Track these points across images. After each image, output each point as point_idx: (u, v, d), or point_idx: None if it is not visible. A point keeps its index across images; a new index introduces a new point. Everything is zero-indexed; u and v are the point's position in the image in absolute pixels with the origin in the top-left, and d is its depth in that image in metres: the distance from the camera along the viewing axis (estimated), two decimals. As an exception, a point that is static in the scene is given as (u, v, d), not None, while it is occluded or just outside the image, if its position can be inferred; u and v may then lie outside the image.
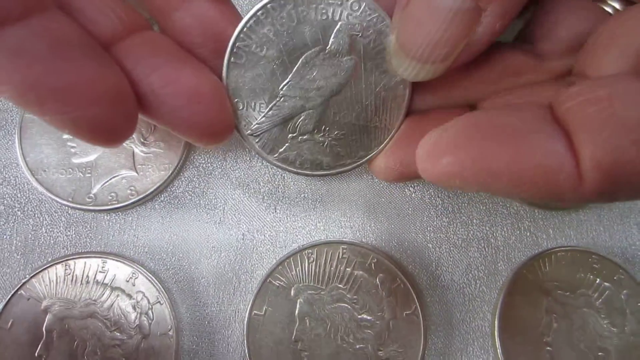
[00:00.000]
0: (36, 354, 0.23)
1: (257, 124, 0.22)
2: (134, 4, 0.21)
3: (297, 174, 0.23)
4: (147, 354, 0.24)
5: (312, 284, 0.25)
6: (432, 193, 0.27)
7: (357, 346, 0.24)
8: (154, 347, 0.24)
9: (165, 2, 0.20)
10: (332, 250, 0.25)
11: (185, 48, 0.21)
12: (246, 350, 0.24)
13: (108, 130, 0.18)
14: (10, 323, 0.24)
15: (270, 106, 0.22)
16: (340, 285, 0.25)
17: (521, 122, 0.16)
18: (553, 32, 0.21)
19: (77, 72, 0.17)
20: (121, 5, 0.20)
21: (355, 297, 0.25)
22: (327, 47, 0.21)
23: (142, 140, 0.26)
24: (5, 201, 0.26)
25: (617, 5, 0.22)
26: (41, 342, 0.23)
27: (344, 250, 0.25)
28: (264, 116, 0.22)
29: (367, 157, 0.23)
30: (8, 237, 0.26)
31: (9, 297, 0.24)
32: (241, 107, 0.22)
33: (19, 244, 0.26)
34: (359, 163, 0.23)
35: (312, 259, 0.25)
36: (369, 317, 0.24)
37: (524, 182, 0.15)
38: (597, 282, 0.26)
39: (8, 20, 0.16)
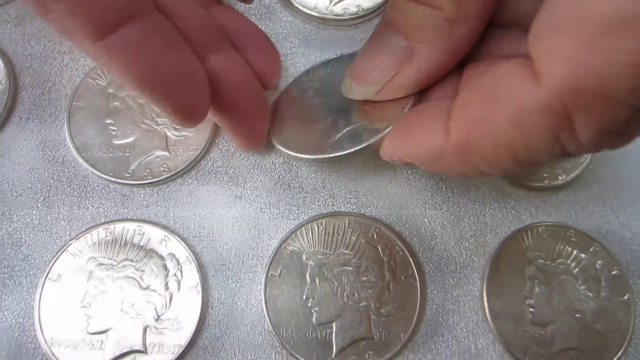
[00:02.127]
0: (81, 305, 0.27)
1: None
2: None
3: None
4: (177, 306, 0.27)
5: (321, 249, 0.28)
6: (428, 175, 0.31)
7: (361, 304, 0.27)
8: (183, 299, 0.27)
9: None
10: (339, 221, 0.29)
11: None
12: (264, 305, 0.27)
13: (196, 113, 0.23)
14: (58, 276, 0.27)
15: None
16: (346, 251, 0.28)
17: (427, 115, 0.21)
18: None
19: (184, 65, 0.21)
20: (209, 23, 0.24)
21: (359, 261, 0.28)
22: None
23: (174, 125, 0.30)
24: (54, 176, 0.30)
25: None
26: (84, 293, 0.27)
27: (350, 221, 0.29)
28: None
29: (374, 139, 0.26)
30: (57, 207, 0.29)
31: (58, 254, 0.27)
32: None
33: (66, 213, 0.29)
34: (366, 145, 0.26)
35: (321, 228, 0.29)
36: (371, 279, 0.28)
37: (423, 157, 0.21)
38: (575, 253, 0.29)
39: (129, 18, 0.19)
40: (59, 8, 0.17)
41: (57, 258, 0.27)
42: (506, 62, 0.18)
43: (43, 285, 0.27)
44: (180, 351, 0.26)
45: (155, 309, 0.27)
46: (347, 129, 0.25)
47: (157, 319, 0.27)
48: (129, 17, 0.19)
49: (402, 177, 0.31)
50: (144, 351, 0.26)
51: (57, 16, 0.18)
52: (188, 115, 0.22)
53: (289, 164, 0.31)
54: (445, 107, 0.20)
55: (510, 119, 0.17)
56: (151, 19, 0.20)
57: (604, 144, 0.17)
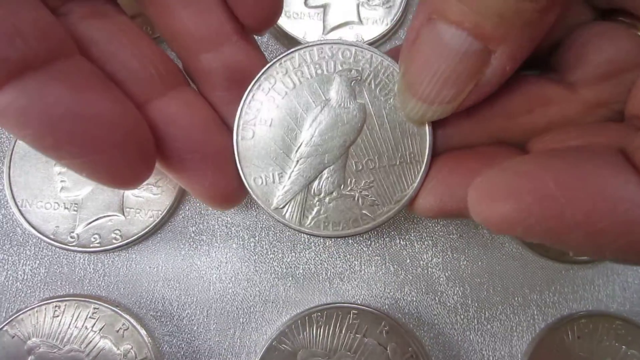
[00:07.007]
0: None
1: (280, 195, 0.20)
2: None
3: (337, 237, 0.22)
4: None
5: (319, 349, 0.23)
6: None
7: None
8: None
9: (194, 44, 0.20)
10: (342, 314, 0.23)
11: (207, 87, 0.21)
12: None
13: (124, 174, 0.18)
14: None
15: (289, 173, 0.20)
16: (348, 353, 0.23)
17: (597, 168, 0.14)
18: (583, 57, 0.19)
19: (96, 118, 0.17)
20: (161, 58, 0.20)
21: (362, 362, 0.23)
22: (330, 101, 0.20)
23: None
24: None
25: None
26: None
27: (355, 315, 0.23)
28: (284, 186, 0.20)
29: (406, 199, 0.20)
30: None
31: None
32: (260, 182, 0.20)
33: None
34: (398, 208, 0.20)
35: (320, 322, 0.23)
36: (378, 388, 0.23)
37: (604, 236, 0.14)
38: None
39: (31, 67, 0.16)
40: None
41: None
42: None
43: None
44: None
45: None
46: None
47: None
48: (31, 65, 0.16)
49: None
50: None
51: None
52: (119, 174, 0.18)
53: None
54: (613, 156, 0.15)
55: None
56: (65, 64, 0.17)
57: None
